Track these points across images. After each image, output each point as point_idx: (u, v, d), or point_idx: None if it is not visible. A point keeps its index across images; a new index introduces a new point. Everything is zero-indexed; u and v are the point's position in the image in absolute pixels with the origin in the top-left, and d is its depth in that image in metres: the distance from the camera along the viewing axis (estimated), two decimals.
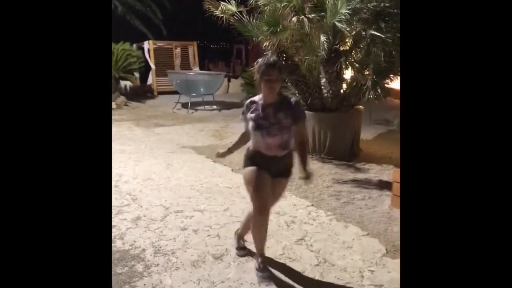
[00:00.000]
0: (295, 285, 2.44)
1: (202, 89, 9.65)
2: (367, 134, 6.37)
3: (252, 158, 2.47)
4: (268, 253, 2.80)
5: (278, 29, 4.70)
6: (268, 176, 2.42)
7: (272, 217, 3.41)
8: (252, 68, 5.74)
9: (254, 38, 5.17)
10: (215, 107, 9.56)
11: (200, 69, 13.09)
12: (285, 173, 2.50)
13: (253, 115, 2.40)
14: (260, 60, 2.36)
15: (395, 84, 5.28)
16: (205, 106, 9.64)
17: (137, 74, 11.66)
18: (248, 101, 2.49)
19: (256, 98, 2.44)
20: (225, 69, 16.33)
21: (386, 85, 4.87)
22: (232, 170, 4.81)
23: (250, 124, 2.40)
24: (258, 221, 2.41)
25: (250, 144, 2.53)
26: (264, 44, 4.96)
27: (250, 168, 2.44)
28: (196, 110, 9.31)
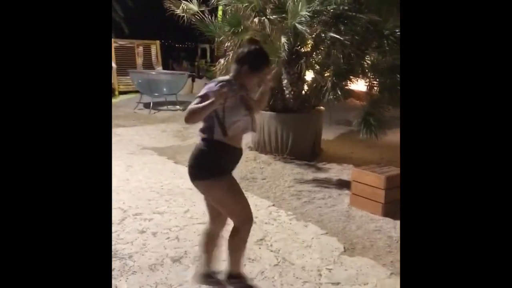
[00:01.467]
0: (255, 284, 2.44)
1: (164, 89, 9.50)
2: (328, 134, 6.49)
3: (217, 160, 2.04)
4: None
5: (240, 30, 4.70)
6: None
7: None
8: (214, 68, 5.74)
9: (216, 38, 5.15)
10: (178, 107, 9.43)
11: (165, 68, 12.87)
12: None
13: (232, 103, 2.00)
14: (246, 49, 2.07)
15: (355, 85, 5.42)
16: (168, 106, 9.49)
17: None
18: (220, 83, 1.99)
19: (227, 82, 2.03)
20: (190, 68, 16.15)
21: (346, 87, 4.98)
22: None
23: (232, 115, 2.00)
24: (248, 232, 2.16)
25: (202, 142, 2.06)
26: (226, 44, 4.95)
27: (221, 179, 2.05)
28: (159, 110, 9.15)
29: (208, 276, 2.36)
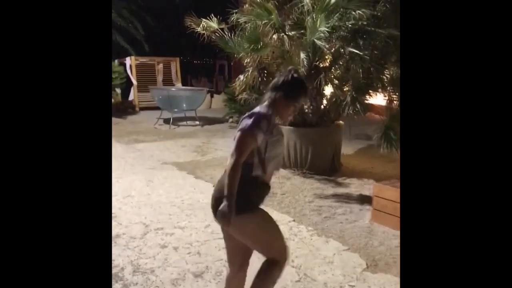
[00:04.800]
0: None
1: (184, 105, 9.64)
2: (347, 149, 6.45)
3: (251, 197, 1.89)
4: (249, 270, 2.77)
5: (259, 46, 4.77)
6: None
7: None
8: (233, 84, 5.81)
9: (235, 55, 5.23)
10: (197, 122, 9.55)
11: (183, 84, 13.10)
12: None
13: (276, 138, 1.91)
14: (284, 76, 1.95)
15: (374, 99, 5.40)
16: (187, 122, 9.62)
17: (118, 90, 11.58)
18: (259, 116, 1.86)
19: (265, 113, 1.90)
20: (208, 84, 16.38)
21: (365, 101, 4.97)
22: (213, 186, 4.77)
23: (273, 150, 1.90)
24: (281, 271, 1.97)
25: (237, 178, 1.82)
26: (246, 61, 5.02)
27: (255, 213, 1.92)
28: (178, 125, 9.28)
29: None
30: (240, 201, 1.81)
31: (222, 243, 3.21)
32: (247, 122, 1.84)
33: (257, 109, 1.94)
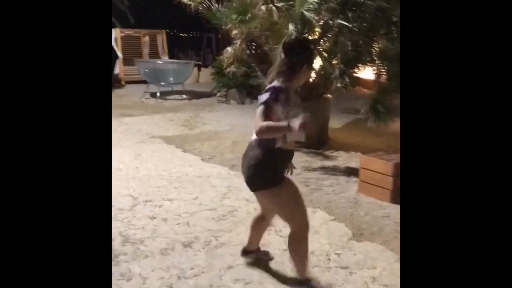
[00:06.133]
0: (265, 268, 2.49)
1: (171, 78, 9.50)
2: (335, 122, 6.48)
3: (279, 167, 2.10)
4: (238, 239, 2.83)
5: (247, 17, 4.68)
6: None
7: (242, 204, 3.45)
8: (220, 57, 5.73)
9: (223, 27, 5.13)
10: (185, 96, 9.44)
11: (170, 58, 12.85)
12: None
13: (295, 112, 1.97)
14: (291, 42, 2.05)
15: (363, 73, 5.40)
16: (175, 96, 9.51)
17: None
18: (274, 90, 1.97)
19: (280, 86, 2.00)
20: (195, 58, 16.11)
21: (354, 74, 4.97)
22: (202, 159, 4.80)
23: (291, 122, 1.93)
24: (307, 237, 2.18)
25: (263, 151, 2.02)
26: (233, 32, 4.94)
27: (287, 185, 2.12)
28: (166, 99, 9.17)
29: (246, 252, 2.49)
30: (269, 175, 2.04)
31: (210, 214, 3.27)
32: (264, 96, 1.95)
33: (273, 84, 2.02)
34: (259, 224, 2.45)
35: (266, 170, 2.04)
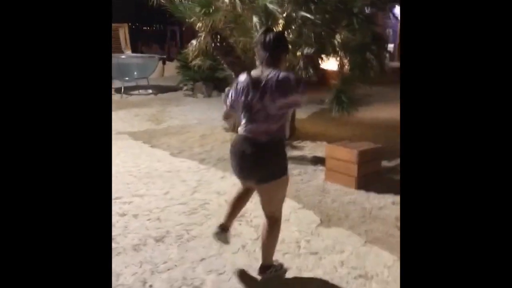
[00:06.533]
0: (237, 258, 2.54)
1: (135, 73, 9.34)
2: (301, 113, 6.60)
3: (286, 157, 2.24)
4: (210, 232, 2.86)
5: (211, 10, 4.67)
6: None
7: (213, 197, 3.49)
8: (185, 50, 5.68)
9: (186, 20, 5.09)
10: (150, 91, 9.31)
11: (133, 52, 12.59)
12: None
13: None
14: (274, 34, 2.14)
15: (326, 64, 5.52)
16: (140, 91, 9.35)
17: None
18: (237, 78, 2.21)
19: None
20: (159, 51, 15.82)
21: (318, 66, 5.07)
22: (170, 154, 4.78)
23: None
24: (279, 228, 2.32)
25: (274, 141, 2.13)
26: (198, 25, 4.91)
27: (287, 177, 2.22)
28: (131, 95, 9.01)
29: (223, 228, 2.45)
30: (283, 164, 2.16)
31: (181, 208, 3.28)
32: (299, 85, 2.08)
33: (276, 71, 2.07)
34: (240, 203, 2.50)
35: (281, 160, 2.16)
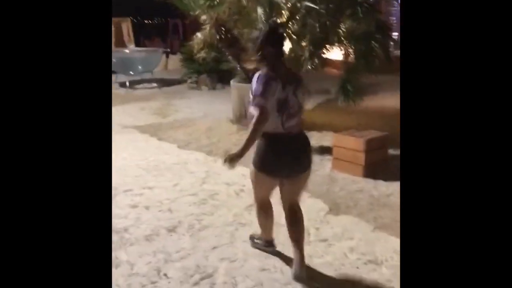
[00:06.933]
0: (248, 246, 2.59)
1: (140, 67, 9.35)
2: (307, 103, 6.60)
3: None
4: (220, 221, 2.92)
5: (215, 2, 4.68)
6: None
7: (222, 188, 3.54)
8: (190, 43, 5.70)
9: (191, 12, 5.11)
10: (154, 84, 9.33)
11: (136, 46, 12.59)
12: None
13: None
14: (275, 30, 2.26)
15: (331, 54, 5.52)
16: (145, 84, 9.38)
17: None
18: (267, 77, 2.11)
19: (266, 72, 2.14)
20: (162, 45, 15.81)
21: (322, 55, 5.07)
22: (178, 146, 4.82)
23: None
24: None
25: (303, 135, 2.29)
26: (202, 18, 4.93)
27: None
28: (135, 89, 9.04)
29: (272, 243, 2.53)
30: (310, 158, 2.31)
31: (191, 199, 3.33)
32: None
33: (260, 72, 2.16)
34: (271, 212, 2.47)
35: (310, 152, 2.36)
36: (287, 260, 2.42)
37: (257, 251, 2.55)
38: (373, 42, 4.80)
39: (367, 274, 2.33)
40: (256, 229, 2.79)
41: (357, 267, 2.39)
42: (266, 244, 2.52)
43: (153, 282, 2.25)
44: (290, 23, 5.23)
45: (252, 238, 2.61)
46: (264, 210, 2.40)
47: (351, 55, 5.03)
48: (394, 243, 2.62)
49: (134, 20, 17.20)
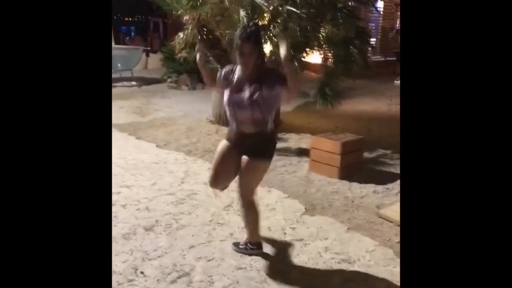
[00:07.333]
0: (225, 245, 2.63)
1: (119, 65, 9.26)
2: (286, 106, 6.69)
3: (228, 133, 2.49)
4: (198, 221, 2.95)
5: (198, 3, 4.70)
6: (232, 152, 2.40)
7: (201, 188, 3.56)
8: (172, 42, 5.69)
9: (173, 12, 5.10)
10: (134, 83, 9.25)
11: (116, 44, 12.44)
12: (252, 152, 2.32)
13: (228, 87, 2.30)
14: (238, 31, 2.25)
15: (310, 58, 5.62)
16: (124, 83, 9.29)
17: None
18: (229, 69, 2.35)
19: (234, 67, 2.33)
20: (142, 43, 15.67)
21: (302, 59, 5.16)
22: (157, 146, 4.81)
23: (225, 96, 2.29)
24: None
25: (271, 130, 2.39)
26: (184, 18, 4.93)
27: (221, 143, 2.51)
28: (115, 87, 8.93)
29: (259, 245, 2.57)
30: (272, 149, 2.38)
31: (170, 198, 3.34)
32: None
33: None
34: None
35: (273, 145, 2.41)
36: (263, 258, 2.47)
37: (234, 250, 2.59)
38: (351, 47, 4.92)
39: (340, 272, 2.40)
40: (234, 229, 2.84)
41: (331, 266, 2.46)
42: (255, 247, 2.52)
43: (130, 280, 2.26)
44: (271, 26, 5.30)
45: (236, 245, 2.58)
46: (255, 206, 2.44)
47: (329, 60, 5.14)
48: (367, 243, 2.70)
49: (114, 17, 17.01)
